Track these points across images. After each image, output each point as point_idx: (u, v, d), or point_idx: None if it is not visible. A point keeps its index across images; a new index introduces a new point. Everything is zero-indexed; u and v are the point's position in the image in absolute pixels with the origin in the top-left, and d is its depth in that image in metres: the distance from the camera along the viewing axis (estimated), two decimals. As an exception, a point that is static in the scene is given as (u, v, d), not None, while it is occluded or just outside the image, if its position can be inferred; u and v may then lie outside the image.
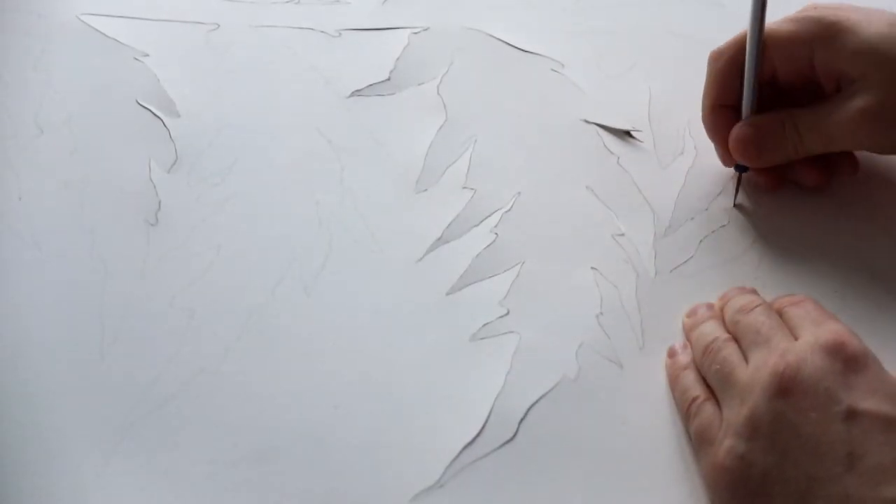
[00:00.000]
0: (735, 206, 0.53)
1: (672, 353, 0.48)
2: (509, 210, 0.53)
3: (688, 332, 0.48)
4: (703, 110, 0.53)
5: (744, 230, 0.52)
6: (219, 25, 0.60)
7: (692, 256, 0.51)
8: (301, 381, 0.48)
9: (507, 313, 0.50)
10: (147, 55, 0.59)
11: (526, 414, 0.47)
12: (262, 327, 0.49)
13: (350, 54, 0.59)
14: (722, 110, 0.52)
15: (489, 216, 0.53)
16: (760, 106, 0.51)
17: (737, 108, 0.52)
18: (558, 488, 0.45)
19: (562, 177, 0.54)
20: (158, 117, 0.56)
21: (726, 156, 0.53)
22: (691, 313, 0.48)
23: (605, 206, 0.53)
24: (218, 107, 0.57)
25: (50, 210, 0.53)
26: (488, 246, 0.52)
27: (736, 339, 0.46)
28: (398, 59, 0.59)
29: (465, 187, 0.54)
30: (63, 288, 0.50)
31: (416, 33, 0.60)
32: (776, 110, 0.51)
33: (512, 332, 0.49)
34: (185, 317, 0.50)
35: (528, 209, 0.53)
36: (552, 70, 0.59)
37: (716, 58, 0.52)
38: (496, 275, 0.51)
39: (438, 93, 0.58)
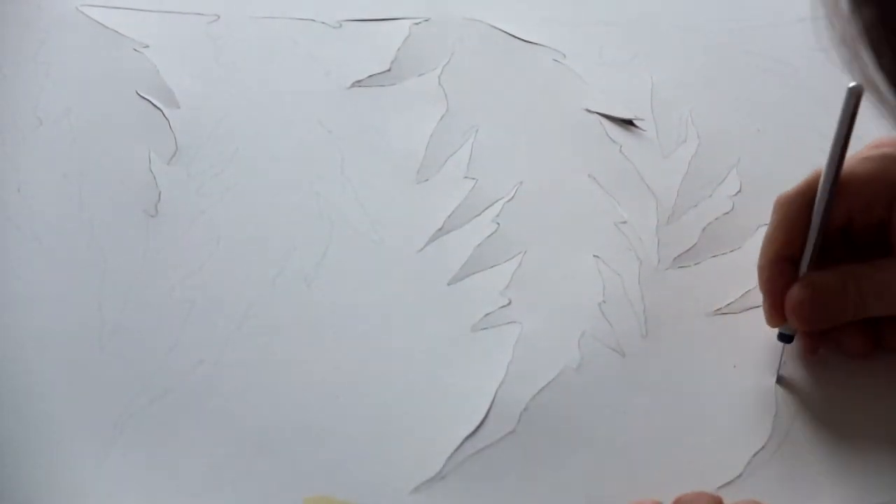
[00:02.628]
0: (778, 381, 0.47)
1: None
2: (511, 200, 0.53)
3: None
4: (763, 260, 0.47)
5: (747, 218, 0.52)
6: (219, 16, 0.60)
7: (695, 244, 0.51)
8: (302, 372, 0.48)
9: (509, 303, 0.49)
10: (147, 46, 0.58)
11: (528, 404, 0.46)
12: (263, 318, 0.49)
13: (351, 45, 0.59)
14: (783, 262, 0.46)
15: (491, 206, 0.53)
16: (821, 257, 0.46)
17: (799, 260, 0.46)
18: (560, 479, 0.45)
19: (564, 166, 0.54)
20: (158, 108, 0.56)
21: (775, 312, 0.47)
22: None
23: (608, 194, 0.53)
24: (218, 98, 0.57)
25: (49, 201, 0.53)
26: (490, 236, 0.52)
27: None
28: (399, 49, 0.59)
29: (466, 177, 0.54)
30: (62, 279, 0.50)
31: (417, 24, 0.60)
32: (838, 266, 0.45)
33: (514, 321, 0.49)
34: (185, 308, 0.49)
35: (530, 198, 0.53)
36: (554, 60, 0.59)
37: (784, 203, 0.46)
38: (498, 264, 0.51)
39: (440, 83, 0.58)
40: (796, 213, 0.45)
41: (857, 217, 0.46)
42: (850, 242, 0.47)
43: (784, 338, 0.47)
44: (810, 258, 0.45)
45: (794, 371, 0.47)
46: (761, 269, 0.47)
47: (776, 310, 0.46)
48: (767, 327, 0.48)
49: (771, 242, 0.46)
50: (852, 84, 0.42)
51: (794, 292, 0.45)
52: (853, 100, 0.42)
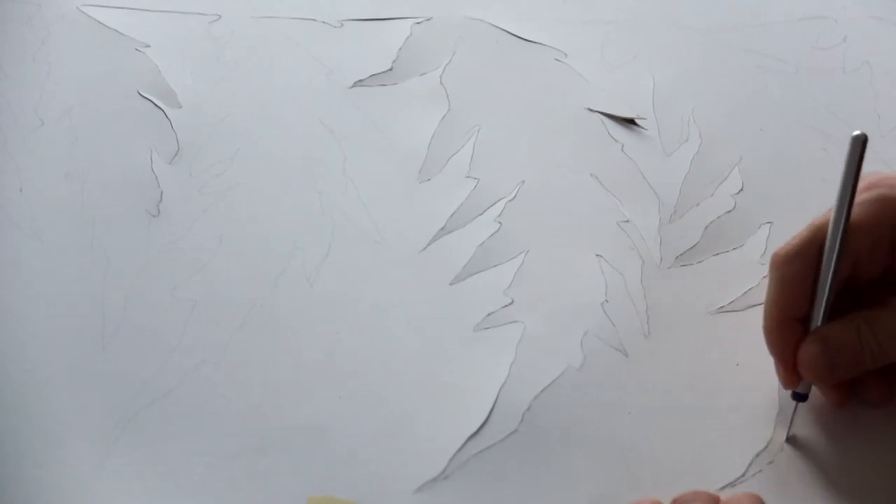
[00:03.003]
0: (788, 440, 0.45)
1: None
2: (513, 199, 0.53)
3: None
4: (769, 323, 0.45)
5: (749, 216, 0.52)
6: (220, 16, 0.60)
7: (698, 242, 0.51)
8: (303, 372, 0.48)
9: (512, 303, 0.49)
10: (148, 46, 0.58)
11: (531, 404, 0.46)
12: (265, 318, 0.49)
13: (352, 44, 0.59)
14: (789, 323, 0.45)
15: (493, 205, 0.53)
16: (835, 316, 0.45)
17: (807, 319, 0.45)
18: (563, 479, 0.45)
19: (566, 165, 0.54)
20: (160, 108, 0.56)
21: (788, 375, 0.45)
22: None
23: (610, 193, 0.53)
24: (219, 97, 0.57)
25: (51, 201, 0.53)
26: (492, 235, 0.52)
27: None
28: (401, 49, 0.59)
29: (468, 177, 0.54)
30: (64, 279, 0.50)
31: (418, 23, 0.60)
32: (847, 316, 0.44)
33: (516, 321, 0.49)
34: (186, 308, 0.49)
35: (532, 198, 0.53)
36: (556, 59, 0.59)
37: (783, 262, 0.44)
38: (500, 264, 0.51)
39: (441, 82, 0.58)
40: (798, 270, 0.44)
41: (862, 265, 0.44)
42: (855, 292, 0.45)
43: (799, 397, 0.45)
44: (823, 312, 0.44)
45: (805, 428, 0.46)
46: (768, 331, 0.45)
47: (789, 371, 0.45)
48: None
49: (775, 303, 0.45)
50: (857, 132, 0.42)
51: (807, 349, 0.44)
52: (858, 147, 0.42)
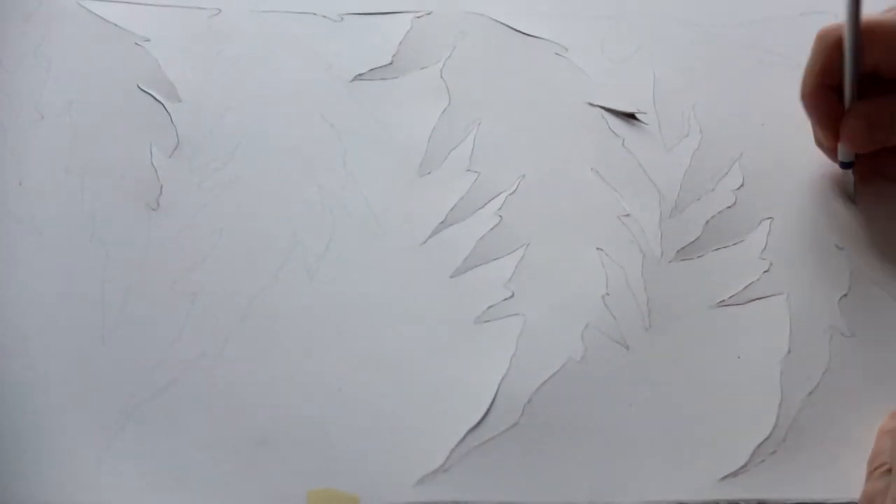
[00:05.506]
0: (854, 201, 0.52)
1: (893, 415, 0.46)
2: (513, 192, 0.53)
3: None
4: (805, 88, 0.51)
5: (750, 211, 0.52)
6: (220, 10, 0.60)
7: (698, 237, 0.51)
8: (304, 365, 0.48)
9: (512, 296, 0.49)
10: (148, 40, 0.58)
11: (531, 397, 0.46)
12: (265, 311, 0.49)
13: (352, 38, 0.59)
14: (826, 91, 0.50)
15: (493, 199, 0.53)
16: (865, 97, 0.50)
17: (841, 90, 0.50)
18: (564, 472, 0.45)
19: (566, 159, 0.54)
20: (160, 102, 0.56)
21: (827, 135, 0.51)
22: None
23: (611, 187, 0.53)
24: (220, 91, 0.57)
25: (51, 195, 0.53)
26: (492, 228, 0.52)
27: None
28: (401, 43, 0.59)
29: (468, 170, 0.54)
30: (64, 273, 0.50)
31: (418, 17, 0.60)
32: (886, 97, 0.50)
33: (517, 314, 0.49)
34: (186, 301, 0.49)
35: (533, 191, 0.53)
36: (556, 54, 0.59)
37: (822, 36, 0.50)
38: (500, 257, 0.51)
39: (441, 77, 0.57)
40: (833, 44, 0.49)
41: (884, 64, 0.49)
42: (882, 87, 0.50)
43: (844, 165, 0.51)
44: (852, 89, 0.49)
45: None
46: (805, 96, 0.51)
47: (825, 131, 0.51)
48: (770, 320, 0.48)
49: (812, 71, 0.50)
50: None
51: (849, 121, 0.50)
52: None
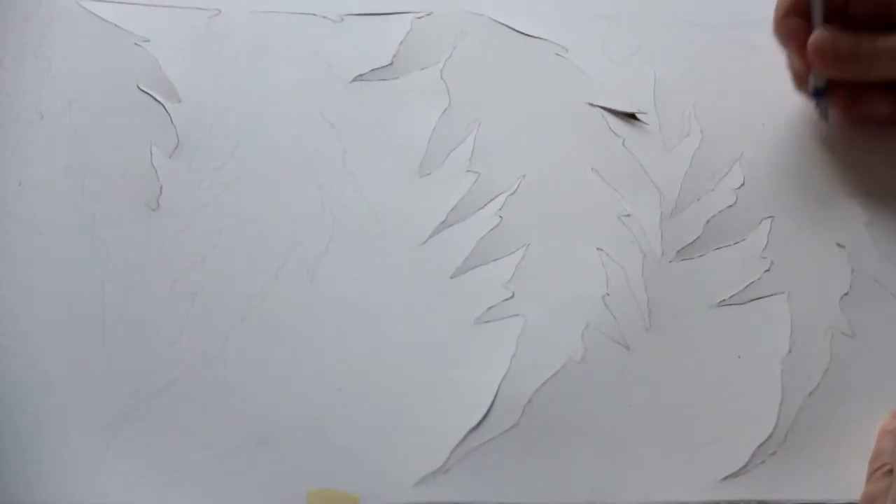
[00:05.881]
0: (828, 123, 0.54)
1: (894, 415, 0.46)
2: (514, 193, 0.53)
3: None
4: (776, 16, 0.52)
5: (751, 210, 0.52)
6: (220, 11, 0.60)
7: (699, 237, 0.51)
8: (304, 365, 0.48)
9: (512, 296, 0.49)
10: (148, 40, 0.58)
11: (531, 397, 0.46)
12: (265, 311, 0.49)
13: (353, 39, 0.59)
14: (794, 18, 0.52)
15: (493, 199, 0.53)
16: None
17: (809, 18, 0.51)
18: (564, 472, 0.45)
19: (566, 159, 0.54)
20: (159, 102, 0.56)
21: (799, 61, 0.52)
22: None
23: (611, 187, 0.53)
24: (219, 92, 0.57)
25: (50, 195, 0.53)
26: (493, 229, 0.51)
27: None
28: (401, 43, 0.59)
29: (469, 170, 0.54)
30: (64, 273, 0.50)
31: (419, 18, 0.60)
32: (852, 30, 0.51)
33: (517, 314, 0.49)
34: (186, 301, 0.49)
35: (533, 192, 0.53)
36: (556, 54, 0.59)
37: None
38: (501, 258, 0.51)
39: (442, 77, 0.57)
40: None
41: (853, 3, 0.51)
42: (851, 24, 0.51)
43: (816, 92, 0.52)
44: (819, 14, 0.50)
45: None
46: (776, 24, 0.52)
47: (798, 56, 0.52)
48: (770, 319, 0.48)
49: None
50: None
51: (814, 37, 0.51)
52: None
